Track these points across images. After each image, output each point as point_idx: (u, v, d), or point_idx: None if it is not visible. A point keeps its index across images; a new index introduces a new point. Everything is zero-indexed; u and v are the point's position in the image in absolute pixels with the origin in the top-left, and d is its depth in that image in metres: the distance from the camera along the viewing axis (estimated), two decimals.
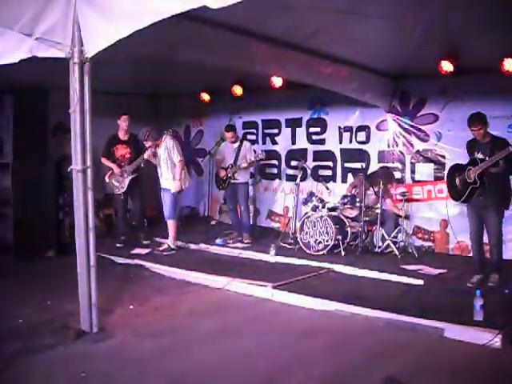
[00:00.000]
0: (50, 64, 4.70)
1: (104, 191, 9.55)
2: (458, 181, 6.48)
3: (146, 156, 8.58)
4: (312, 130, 10.11)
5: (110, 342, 4.68)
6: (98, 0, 4.25)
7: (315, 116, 10.05)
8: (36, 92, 7.85)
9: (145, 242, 8.95)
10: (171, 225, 8.53)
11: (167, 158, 8.36)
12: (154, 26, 4.06)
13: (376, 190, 8.43)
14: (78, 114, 4.49)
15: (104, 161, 8.81)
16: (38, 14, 4.25)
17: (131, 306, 5.68)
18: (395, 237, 8.31)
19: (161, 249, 8.47)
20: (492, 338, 4.55)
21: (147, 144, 8.37)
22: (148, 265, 7.43)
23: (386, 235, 8.19)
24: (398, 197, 8.53)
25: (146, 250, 8.45)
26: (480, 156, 6.25)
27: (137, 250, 8.41)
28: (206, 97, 10.97)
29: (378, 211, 8.21)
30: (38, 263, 7.48)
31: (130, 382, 3.95)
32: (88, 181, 4.61)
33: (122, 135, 8.97)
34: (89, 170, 4.60)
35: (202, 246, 8.86)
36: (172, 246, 8.52)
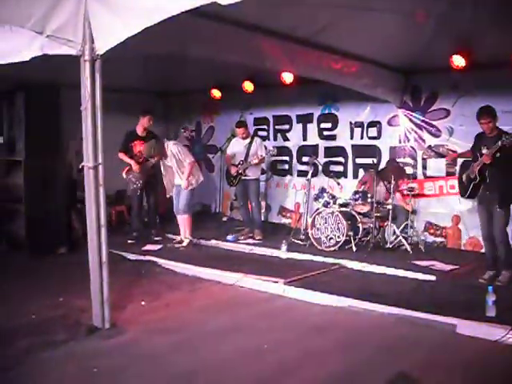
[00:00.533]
0: (62, 61, 4.73)
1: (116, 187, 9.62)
2: (464, 177, 6.53)
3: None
4: (323, 125, 10.09)
5: (122, 337, 4.70)
6: None
7: (326, 112, 10.03)
8: (48, 89, 7.88)
9: (156, 239, 8.99)
10: (187, 220, 8.58)
11: (177, 163, 8.39)
12: (164, 22, 4.07)
13: (387, 185, 8.41)
14: (90, 111, 4.50)
15: (121, 156, 8.87)
16: (48, 11, 4.26)
17: (143, 302, 5.70)
18: (406, 232, 8.29)
19: (184, 244, 8.55)
20: (504, 334, 4.53)
21: (155, 159, 8.50)
22: (159, 261, 7.45)
23: (397, 231, 8.17)
24: (406, 192, 8.50)
25: (158, 246, 8.49)
26: (484, 151, 6.22)
27: (148, 247, 8.45)
28: (216, 93, 10.98)
29: (390, 207, 8.18)
30: (50, 260, 7.52)
31: (142, 377, 3.96)
32: (99, 177, 4.63)
33: (141, 131, 9.02)
34: (100, 167, 4.62)
35: (214, 242, 8.87)
36: (194, 240, 8.61)
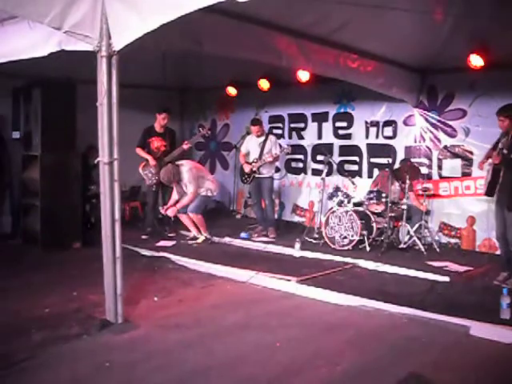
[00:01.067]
0: (78, 57, 4.76)
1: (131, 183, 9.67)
2: (486, 174, 6.52)
3: (185, 147, 8.96)
4: (338, 124, 10.06)
5: (135, 332, 4.72)
6: None
7: (341, 111, 10.00)
8: (64, 85, 7.93)
9: (170, 235, 9.02)
10: (198, 218, 8.63)
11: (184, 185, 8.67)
12: (181, 19, 4.08)
13: (402, 185, 8.37)
14: (106, 106, 4.51)
15: (139, 151, 9.01)
16: (66, 7, 4.28)
17: (156, 298, 5.72)
18: (420, 233, 8.25)
19: (199, 241, 8.60)
20: None
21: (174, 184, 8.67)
22: (173, 257, 7.47)
23: (411, 231, 8.13)
24: (420, 192, 8.46)
25: (172, 243, 8.51)
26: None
27: (162, 243, 8.48)
28: (232, 91, 10.99)
29: (404, 207, 8.14)
30: (65, 254, 7.58)
31: (154, 372, 3.97)
32: (115, 173, 4.65)
33: (159, 128, 9.12)
34: (115, 163, 4.64)
35: (227, 239, 8.89)
36: (210, 238, 8.66)
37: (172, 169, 8.48)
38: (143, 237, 8.82)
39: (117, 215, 4.70)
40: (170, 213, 8.65)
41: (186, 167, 8.61)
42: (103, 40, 4.37)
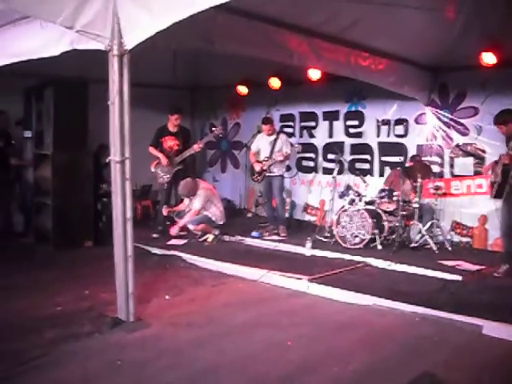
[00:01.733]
0: (90, 56, 4.77)
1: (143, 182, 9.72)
2: (493, 177, 6.67)
3: (196, 149, 9.01)
4: (349, 123, 10.04)
5: (146, 331, 4.73)
6: None
7: (353, 109, 9.98)
8: (76, 84, 7.97)
9: (181, 233, 9.03)
10: (198, 228, 8.80)
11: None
12: (192, 18, 4.08)
13: (413, 183, 8.34)
14: (117, 105, 4.53)
15: (151, 150, 9.10)
16: (78, 6, 4.29)
17: (167, 297, 5.73)
18: (432, 231, 8.21)
19: (209, 240, 8.62)
20: None
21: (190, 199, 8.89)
22: (184, 256, 7.48)
23: (423, 230, 8.09)
24: (432, 191, 8.42)
25: (183, 241, 8.53)
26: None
27: (173, 241, 8.49)
28: (243, 89, 10.99)
29: (416, 205, 8.11)
30: (76, 253, 7.61)
31: (165, 371, 3.98)
32: (126, 171, 4.66)
33: (172, 127, 9.17)
34: (127, 161, 4.65)
35: (238, 238, 8.89)
36: (219, 236, 8.73)
37: (191, 184, 8.70)
38: (154, 235, 8.84)
39: (128, 214, 4.71)
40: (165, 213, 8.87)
41: (203, 188, 8.86)
42: (115, 39, 4.38)
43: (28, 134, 8.79)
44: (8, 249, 7.85)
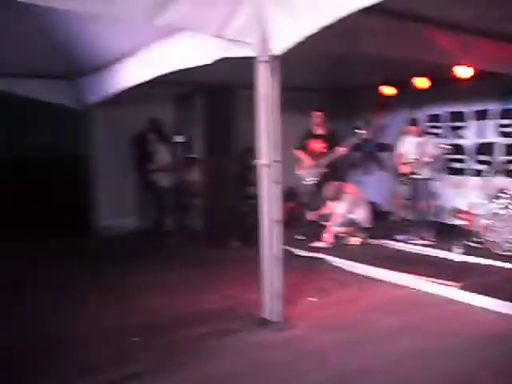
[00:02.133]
0: (238, 62, 4.93)
1: (290, 184, 9.87)
2: None
3: (342, 152, 9.03)
4: (503, 122, 9.50)
5: (292, 332, 4.82)
6: None
7: (506, 107, 9.43)
8: (224, 91, 8.27)
9: (326, 235, 9.04)
10: (341, 230, 8.83)
11: None
12: (338, 20, 4.09)
13: None
14: (266, 110, 4.65)
15: (297, 152, 9.21)
16: (227, 16, 4.46)
17: (312, 299, 5.78)
18: None
19: (355, 243, 8.68)
20: None
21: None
22: (329, 258, 7.50)
23: None
24: None
25: (326, 244, 8.53)
26: None
27: (318, 243, 8.52)
28: (387, 90, 10.78)
29: None
30: (224, 253, 7.91)
31: (310, 372, 4.03)
32: (275, 174, 4.77)
33: (317, 129, 9.28)
34: (276, 164, 4.75)
35: (384, 241, 8.75)
36: (364, 236, 8.80)
37: (337, 187, 8.75)
38: (299, 237, 8.92)
39: (276, 216, 4.81)
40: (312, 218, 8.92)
41: (348, 191, 8.88)
42: (264, 45, 4.50)
43: (179, 138, 9.26)
44: (159, 248, 8.33)
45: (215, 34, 4.53)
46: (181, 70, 5.78)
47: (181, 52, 5.57)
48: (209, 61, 5.20)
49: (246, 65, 4.74)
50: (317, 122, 9.16)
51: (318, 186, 9.06)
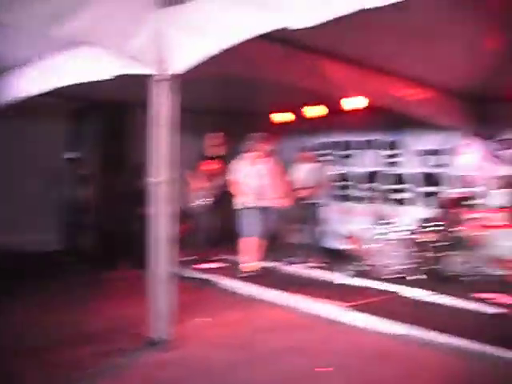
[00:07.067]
0: (135, 81, 4.90)
1: (181, 205, 9.79)
2: None
3: None
4: (387, 152, 10.01)
5: (179, 352, 4.79)
6: (185, 20, 4.41)
7: (391, 139, 9.95)
8: (119, 107, 8.15)
9: (217, 258, 9.06)
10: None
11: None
12: (237, 45, 4.18)
13: (455, 214, 8.25)
14: (160, 128, 4.64)
15: (192, 174, 9.13)
16: (127, 33, 4.43)
17: (201, 319, 5.77)
18: (470, 263, 8.06)
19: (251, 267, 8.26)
20: None
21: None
22: (219, 280, 7.51)
23: (463, 261, 7.97)
24: (473, 222, 8.30)
25: (218, 265, 8.54)
26: None
27: (209, 265, 8.51)
28: (280, 117, 11.04)
29: (455, 235, 8.00)
30: (113, 272, 7.71)
31: None
32: (166, 193, 4.75)
33: (210, 151, 9.31)
34: (167, 183, 4.74)
35: (273, 264, 8.87)
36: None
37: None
38: (191, 258, 8.86)
39: (165, 235, 4.79)
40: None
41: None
42: (162, 64, 4.51)
43: (70, 154, 8.99)
44: (47, 267, 8.00)
45: (114, 49, 4.48)
46: (78, 84, 5.65)
47: (79, 65, 5.45)
48: (107, 76, 5.12)
49: (144, 82, 4.72)
50: (212, 143, 9.19)
51: (212, 207, 9.05)
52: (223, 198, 9.15)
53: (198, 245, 9.18)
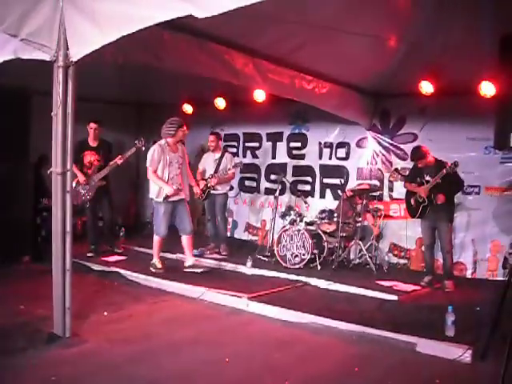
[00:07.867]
0: (34, 67, 4.71)
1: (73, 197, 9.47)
2: (412, 201, 7.39)
3: (119, 162, 8.55)
4: (292, 144, 10.20)
5: (83, 347, 4.67)
6: (85, 4, 4.27)
7: (296, 131, 10.14)
8: (18, 95, 7.79)
9: (118, 251, 8.87)
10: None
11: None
12: (139, 33, 4.11)
13: (356, 205, 8.53)
14: (61, 117, 4.49)
15: (76, 167, 8.32)
16: (24, 15, 4.26)
17: (105, 313, 5.65)
18: (371, 252, 8.38)
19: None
20: (462, 353, 4.62)
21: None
22: (124, 272, 7.40)
23: (363, 250, 8.27)
24: (371, 213, 8.63)
25: (121, 258, 8.41)
26: (427, 178, 7.19)
27: (112, 258, 8.35)
28: (188, 108, 10.99)
29: (356, 226, 8.29)
30: (14, 268, 7.41)
31: None
32: (67, 184, 4.61)
33: (92, 141, 8.75)
34: (68, 173, 4.61)
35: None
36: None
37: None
38: (88, 254, 8.47)
39: (68, 227, 4.65)
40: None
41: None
42: (60, 50, 4.36)
43: None
44: None
45: (9, 31, 4.29)
46: None
47: None
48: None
49: (44, 69, 4.54)
50: (89, 131, 8.68)
51: (96, 200, 8.67)
52: (106, 189, 8.82)
53: (93, 240, 8.81)
